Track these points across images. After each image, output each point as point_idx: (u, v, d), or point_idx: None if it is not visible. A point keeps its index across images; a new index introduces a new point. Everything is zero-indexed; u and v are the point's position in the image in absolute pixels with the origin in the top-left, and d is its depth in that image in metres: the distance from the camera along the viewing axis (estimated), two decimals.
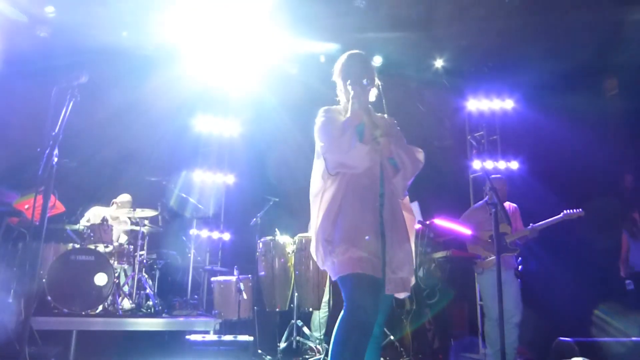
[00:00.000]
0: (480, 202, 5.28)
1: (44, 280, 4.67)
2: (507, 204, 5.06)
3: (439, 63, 7.22)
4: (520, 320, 4.69)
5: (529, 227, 4.91)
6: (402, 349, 5.15)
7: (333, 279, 2.55)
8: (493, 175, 5.26)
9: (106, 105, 6.07)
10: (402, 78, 7.13)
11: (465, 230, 5.02)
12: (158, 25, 6.09)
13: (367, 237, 2.47)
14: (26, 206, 4.26)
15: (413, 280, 2.67)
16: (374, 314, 2.46)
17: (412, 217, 2.80)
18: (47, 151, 3.34)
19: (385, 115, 2.87)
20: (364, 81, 2.69)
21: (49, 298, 4.68)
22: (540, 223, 4.90)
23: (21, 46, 5.85)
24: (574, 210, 4.82)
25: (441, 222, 5.17)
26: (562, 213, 4.84)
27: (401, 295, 2.68)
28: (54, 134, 3.28)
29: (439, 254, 5.41)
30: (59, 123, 3.24)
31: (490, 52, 6.90)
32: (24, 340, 2.71)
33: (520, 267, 4.86)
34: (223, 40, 6.41)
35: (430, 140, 7.17)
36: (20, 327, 3.46)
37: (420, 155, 2.85)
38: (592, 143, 6.04)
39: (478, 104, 7.37)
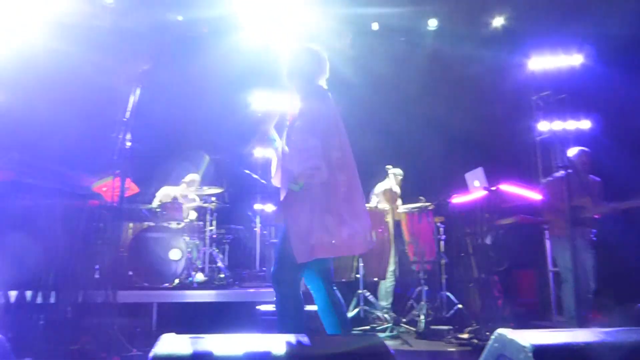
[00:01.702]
0: (563, 172, 5.09)
1: (124, 256, 4.99)
2: (590, 177, 4.92)
3: (497, 21, 6.90)
4: (596, 288, 4.56)
5: (611, 204, 4.72)
6: (471, 316, 5.12)
7: None
8: (579, 148, 5.06)
9: (167, 87, 6.26)
10: (459, 39, 6.90)
11: (535, 195, 4.87)
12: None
13: None
14: (104, 189, 4.51)
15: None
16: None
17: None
18: (120, 136, 3.54)
19: None
20: None
21: (130, 273, 5.00)
22: (625, 203, 4.69)
23: (87, 35, 6.10)
24: None
25: (508, 188, 5.03)
26: None
27: None
28: (125, 119, 3.47)
29: (506, 221, 5.29)
30: (129, 109, 3.41)
31: (554, 4, 6.50)
32: (112, 312, 2.94)
33: (594, 237, 4.71)
34: (276, 12, 6.41)
35: (491, 103, 6.94)
36: (108, 301, 3.73)
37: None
38: None
39: (542, 62, 7.00)
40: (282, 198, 2.76)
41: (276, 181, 2.96)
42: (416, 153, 6.91)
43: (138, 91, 3.38)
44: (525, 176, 6.54)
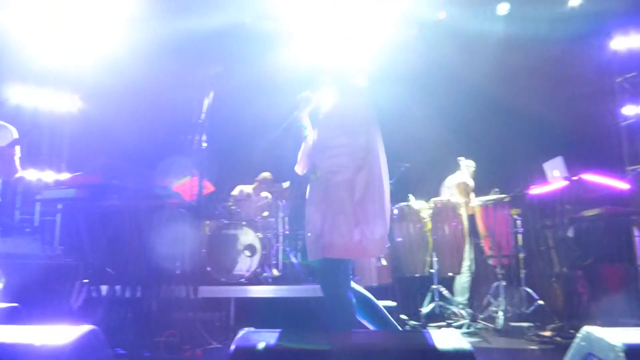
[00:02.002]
0: None
1: (203, 253, 5.20)
2: None
3: (575, 0, 6.52)
4: None
5: None
6: (553, 313, 4.90)
7: None
8: None
9: (236, 88, 6.43)
10: (533, 22, 6.57)
11: (622, 185, 4.57)
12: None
13: None
14: (182, 188, 4.72)
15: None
16: None
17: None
18: (196, 137, 3.67)
19: None
20: None
21: (209, 269, 5.20)
22: None
23: (162, 42, 6.37)
24: None
25: (591, 177, 4.75)
26: None
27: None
28: (200, 121, 3.59)
29: (590, 212, 5.00)
30: (204, 111, 3.53)
31: None
32: (194, 307, 3.08)
33: None
34: (340, 8, 6.40)
35: (568, 88, 6.58)
36: (189, 296, 3.90)
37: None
38: None
39: (626, 41, 6.54)
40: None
41: (299, 169, 3.00)
42: (489, 143, 6.68)
43: (212, 94, 3.49)
44: (609, 164, 6.14)
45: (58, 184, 3.86)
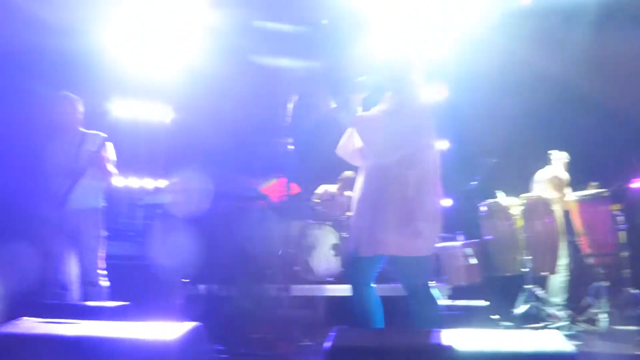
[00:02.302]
0: None
1: (291, 252, 5.33)
2: None
3: None
4: None
5: None
6: None
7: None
8: None
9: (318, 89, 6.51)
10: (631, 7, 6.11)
11: None
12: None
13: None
14: (270, 190, 4.88)
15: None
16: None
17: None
18: (282, 140, 3.79)
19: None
20: None
21: (297, 268, 5.32)
22: None
23: (245, 50, 6.61)
24: None
25: None
26: None
27: None
28: (286, 124, 3.71)
29: None
30: (288, 114, 3.63)
31: None
32: (286, 305, 3.18)
33: None
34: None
35: None
36: (281, 295, 4.03)
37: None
38: None
39: None
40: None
41: (341, 152, 3.07)
42: (583, 136, 6.27)
43: (296, 96, 3.58)
44: None
45: (157, 190, 4.12)
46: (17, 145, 4.94)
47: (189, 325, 1.75)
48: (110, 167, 3.96)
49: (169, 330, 1.70)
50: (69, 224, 3.77)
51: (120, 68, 6.46)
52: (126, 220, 6.56)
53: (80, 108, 4.06)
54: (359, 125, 2.83)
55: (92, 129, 4.05)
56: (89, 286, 3.76)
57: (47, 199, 3.75)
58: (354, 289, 3.01)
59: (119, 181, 6.13)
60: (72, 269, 3.80)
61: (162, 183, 6.12)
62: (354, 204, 2.92)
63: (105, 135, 3.97)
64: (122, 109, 6.76)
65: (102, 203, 3.99)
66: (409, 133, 2.74)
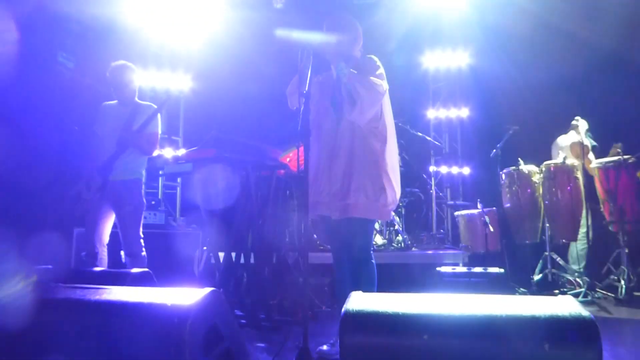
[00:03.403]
0: None
1: (310, 220, 5.37)
2: None
3: None
4: None
5: None
6: None
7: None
8: None
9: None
10: None
11: None
12: None
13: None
14: (288, 159, 4.89)
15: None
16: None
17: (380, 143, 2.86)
18: (302, 108, 3.76)
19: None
20: None
21: (315, 236, 5.37)
22: None
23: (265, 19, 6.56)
24: None
25: None
26: None
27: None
28: (305, 92, 3.67)
29: None
30: (307, 82, 3.59)
31: None
32: (303, 272, 3.23)
33: None
34: None
35: None
36: (299, 262, 4.09)
37: (381, 88, 2.81)
38: None
39: None
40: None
41: (291, 97, 3.01)
42: (607, 103, 6.10)
43: (311, 65, 3.53)
44: None
45: (177, 159, 4.14)
46: (60, 115, 5.03)
47: (207, 291, 1.78)
48: (155, 142, 3.97)
49: (187, 295, 1.74)
50: (113, 193, 3.79)
51: (141, 37, 6.47)
52: (147, 189, 6.69)
53: (139, 80, 4.06)
54: (372, 86, 2.79)
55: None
56: (131, 257, 3.80)
57: (94, 166, 3.79)
58: (333, 254, 3.05)
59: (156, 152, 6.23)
60: (105, 238, 3.87)
61: (181, 152, 6.18)
62: (318, 161, 2.89)
63: (156, 107, 3.97)
64: (142, 78, 6.79)
65: (143, 174, 4.03)
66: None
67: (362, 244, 2.85)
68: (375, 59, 2.96)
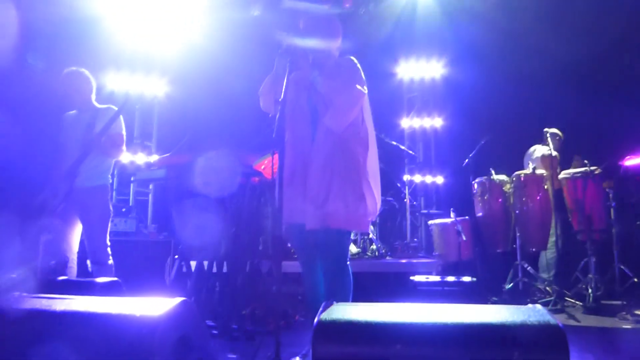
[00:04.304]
0: None
1: (284, 228, 5.34)
2: None
3: None
4: None
5: None
6: None
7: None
8: None
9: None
10: None
11: None
12: None
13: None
14: (262, 166, 4.86)
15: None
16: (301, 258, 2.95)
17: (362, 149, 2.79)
18: (276, 115, 3.75)
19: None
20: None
21: (289, 244, 5.33)
22: None
23: (242, 26, 6.54)
24: None
25: None
26: None
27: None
28: (280, 99, 3.66)
29: None
30: (283, 89, 3.59)
31: None
32: (276, 280, 3.19)
33: None
34: None
35: None
36: (272, 271, 4.05)
37: (359, 93, 2.73)
38: None
39: None
40: None
41: (264, 99, 2.91)
42: (577, 113, 6.25)
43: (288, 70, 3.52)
44: None
45: (149, 165, 4.08)
46: (27, 120, 4.91)
47: (177, 300, 1.75)
48: (120, 143, 3.90)
49: (157, 305, 1.70)
50: (78, 200, 3.70)
51: (116, 40, 6.37)
52: (118, 196, 6.57)
53: (93, 83, 4.00)
54: (357, 94, 2.74)
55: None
56: (97, 265, 3.71)
57: (57, 174, 3.70)
58: (304, 263, 2.97)
59: (126, 157, 6.10)
60: (74, 245, 3.77)
61: (154, 158, 6.09)
62: (294, 164, 2.76)
63: (117, 109, 3.89)
64: (116, 82, 6.68)
65: (110, 180, 3.95)
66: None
67: (338, 255, 2.76)
68: (355, 60, 2.88)
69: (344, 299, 2.69)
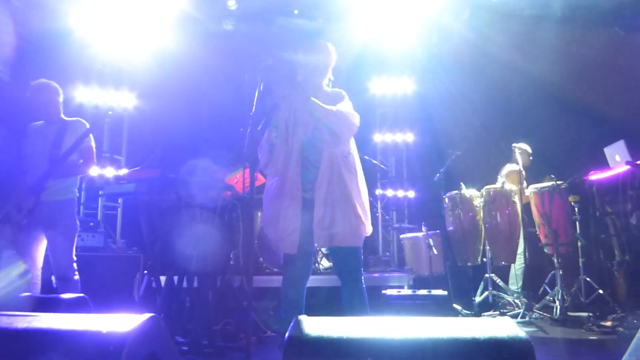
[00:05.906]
0: None
1: (256, 243, 5.30)
2: None
3: None
4: None
5: None
6: (615, 303, 4.72)
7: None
8: None
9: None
10: (592, 6, 6.25)
11: None
12: None
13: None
14: (235, 181, 4.83)
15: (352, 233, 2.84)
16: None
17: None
18: (248, 130, 3.74)
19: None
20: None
21: (261, 259, 5.30)
22: None
23: (213, 39, 6.53)
24: None
25: None
26: None
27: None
28: (252, 114, 3.66)
29: None
30: (254, 104, 3.59)
31: None
32: (248, 295, 3.18)
33: None
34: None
35: (631, 71, 6.24)
36: (243, 286, 4.01)
37: (356, 119, 2.95)
38: None
39: None
40: None
41: (270, 169, 3.08)
42: (545, 129, 6.44)
43: (261, 86, 3.53)
44: None
45: (118, 179, 4.01)
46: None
47: (145, 317, 1.71)
48: (90, 157, 3.84)
49: (125, 321, 1.66)
50: (44, 214, 3.61)
51: (86, 52, 6.29)
52: (86, 210, 6.42)
53: (61, 96, 3.94)
54: (342, 116, 2.86)
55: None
56: (62, 281, 3.61)
57: (21, 186, 3.60)
58: (297, 283, 3.06)
59: (94, 171, 5.98)
60: (38, 261, 3.67)
61: (123, 172, 5.98)
62: (293, 195, 2.89)
63: (87, 124, 3.84)
64: (85, 95, 6.57)
65: (77, 193, 3.87)
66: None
67: (354, 269, 2.91)
68: (344, 93, 3.07)
69: (362, 311, 2.84)
